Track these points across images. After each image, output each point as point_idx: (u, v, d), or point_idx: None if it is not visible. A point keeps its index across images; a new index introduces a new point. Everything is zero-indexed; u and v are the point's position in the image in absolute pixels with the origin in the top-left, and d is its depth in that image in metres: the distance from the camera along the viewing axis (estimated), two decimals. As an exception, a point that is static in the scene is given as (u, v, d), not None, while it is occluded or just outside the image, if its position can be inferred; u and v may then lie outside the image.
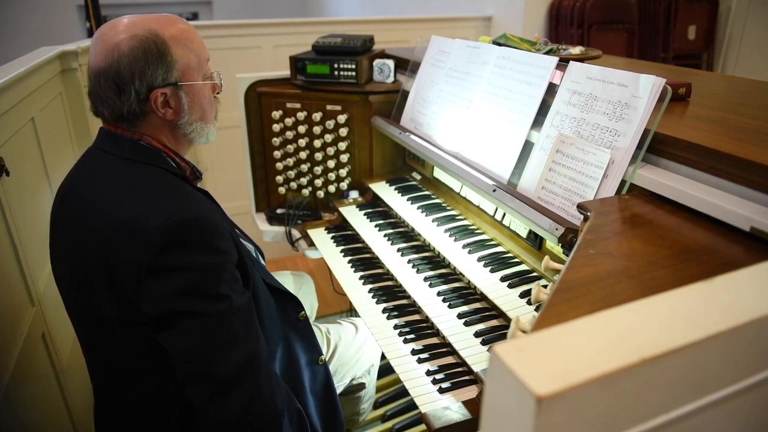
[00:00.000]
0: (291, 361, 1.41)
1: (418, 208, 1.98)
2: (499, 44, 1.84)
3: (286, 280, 2.06)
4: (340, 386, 1.76)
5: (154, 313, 1.11)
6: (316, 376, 1.48)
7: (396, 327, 1.57)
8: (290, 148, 2.34)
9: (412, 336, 1.53)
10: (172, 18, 1.25)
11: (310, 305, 2.11)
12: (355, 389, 1.88)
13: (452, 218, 1.88)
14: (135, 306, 1.12)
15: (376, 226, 2.02)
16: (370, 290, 1.75)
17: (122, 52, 1.15)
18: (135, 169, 1.19)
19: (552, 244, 1.52)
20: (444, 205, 1.99)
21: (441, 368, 1.41)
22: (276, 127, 2.33)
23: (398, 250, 1.84)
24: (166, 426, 1.25)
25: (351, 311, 2.98)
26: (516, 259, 1.62)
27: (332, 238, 2.10)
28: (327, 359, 1.60)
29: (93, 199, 1.16)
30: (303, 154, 2.34)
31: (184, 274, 1.08)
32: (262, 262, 1.56)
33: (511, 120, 1.66)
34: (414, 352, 1.47)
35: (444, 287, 1.64)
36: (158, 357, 1.16)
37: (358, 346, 1.82)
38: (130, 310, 1.13)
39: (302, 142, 2.30)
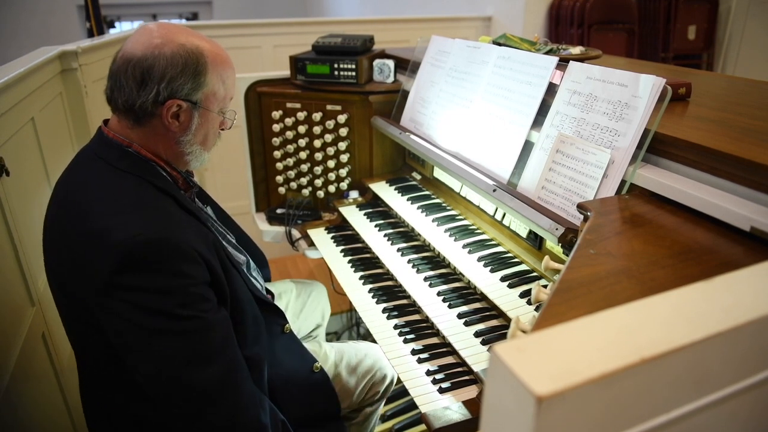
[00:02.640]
0: (279, 372, 1.40)
1: (418, 208, 1.98)
2: (499, 44, 1.84)
3: (286, 287, 1.99)
4: None
5: (112, 330, 1.10)
6: (313, 385, 1.46)
7: (396, 327, 1.57)
8: (290, 148, 2.34)
9: (412, 336, 1.53)
10: (220, 48, 1.28)
11: (321, 312, 2.05)
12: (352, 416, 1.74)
13: (452, 218, 1.88)
14: (97, 317, 1.11)
15: (376, 226, 2.02)
16: (370, 290, 1.75)
17: (163, 53, 1.16)
18: (116, 179, 1.17)
19: (552, 244, 1.52)
20: (444, 205, 1.99)
21: (441, 368, 1.41)
22: (276, 127, 2.33)
23: (398, 250, 1.84)
24: (148, 428, 1.25)
25: (351, 311, 2.98)
26: (516, 259, 1.62)
27: (332, 238, 2.10)
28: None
29: (71, 204, 1.16)
30: (303, 154, 2.34)
31: (139, 294, 1.06)
32: (254, 275, 1.54)
33: (511, 120, 1.66)
34: (414, 352, 1.47)
35: (444, 287, 1.64)
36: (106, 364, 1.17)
37: (363, 373, 1.68)
38: (95, 318, 1.12)
39: (302, 142, 2.30)
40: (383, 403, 1.81)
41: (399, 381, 1.46)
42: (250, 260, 1.58)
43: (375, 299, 1.70)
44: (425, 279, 1.67)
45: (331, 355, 1.66)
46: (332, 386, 1.51)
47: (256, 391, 1.23)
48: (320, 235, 2.13)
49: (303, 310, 1.95)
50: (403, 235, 1.95)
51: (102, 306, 1.09)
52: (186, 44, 1.18)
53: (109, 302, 1.07)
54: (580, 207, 1.21)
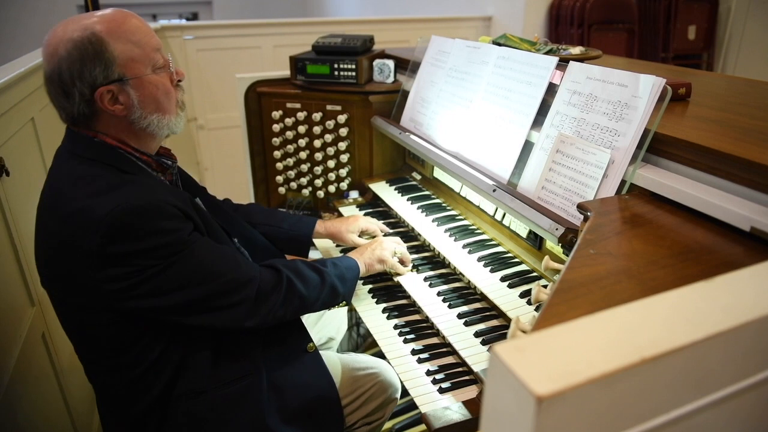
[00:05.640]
0: (276, 348, 1.41)
1: (418, 208, 1.98)
2: (499, 44, 1.84)
3: None
4: None
5: (123, 291, 1.13)
6: (305, 365, 1.45)
7: (396, 327, 1.57)
8: (290, 148, 2.34)
9: (412, 336, 1.53)
10: (113, 12, 1.21)
11: (337, 326, 2.01)
12: None
13: (452, 218, 1.88)
14: (93, 292, 1.15)
15: (376, 226, 2.01)
16: (370, 290, 1.75)
17: (61, 56, 1.15)
18: (88, 168, 1.19)
19: (552, 244, 1.52)
20: (444, 205, 1.99)
21: (441, 368, 1.41)
22: (276, 127, 2.33)
23: (398, 250, 1.84)
24: (140, 409, 1.27)
25: (351, 311, 2.98)
26: (516, 259, 1.62)
27: (332, 238, 2.09)
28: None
29: (52, 198, 1.20)
30: (303, 154, 2.34)
31: (135, 258, 1.12)
32: None
33: (511, 120, 1.66)
34: (414, 352, 1.47)
35: (444, 287, 1.64)
36: (117, 342, 1.22)
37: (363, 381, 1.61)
38: (89, 296, 1.16)
39: (302, 142, 2.30)
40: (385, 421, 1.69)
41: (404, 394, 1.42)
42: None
43: (375, 299, 1.70)
44: (425, 279, 1.67)
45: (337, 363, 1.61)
46: (326, 371, 1.47)
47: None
48: (320, 235, 2.12)
49: (319, 321, 1.93)
50: (403, 235, 1.95)
51: (104, 279, 1.12)
52: (73, 34, 1.15)
53: (110, 272, 1.12)
54: (580, 207, 1.21)
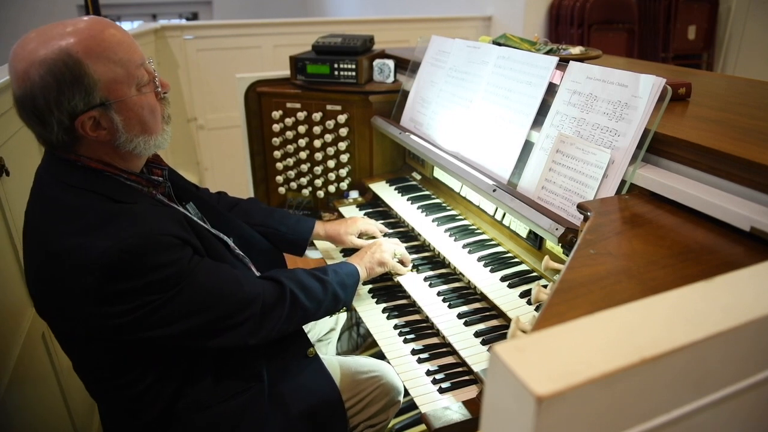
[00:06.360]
0: (278, 357, 1.41)
1: (418, 208, 1.98)
2: (499, 44, 1.84)
3: None
4: None
5: (125, 325, 1.09)
6: (306, 370, 1.45)
7: (396, 327, 1.57)
8: (290, 148, 2.35)
9: (412, 336, 1.53)
10: (88, 24, 1.08)
11: (336, 316, 2.02)
12: None
13: (452, 218, 1.88)
14: (92, 326, 1.10)
15: (376, 226, 2.01)
16: (370, 290, 1.75)
17: (33, 81, 1.03)
18: (73, 198, 1.10)
19: (552, 244, 1.52)
20: (444, 205, 1.99)
21: (441, 368, 1.41)
22: (276, 127, 2.33)
23: (398, 250, 1.84)
24: (144, 422, 1.26)
25: (351, 311, 2.98)
26: (516, 259, 1.62)
27: (332, 238, 2.09)
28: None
29: (36, 230, 1.14)
30: (303, 154, 2.34)
31: (137, 294, 1.07)
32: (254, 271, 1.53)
33: (511, 120, 1.66)
34: (414, 352, 1.47)
35: (444, 287, 1.64)
36: (117, 364, 1.19)
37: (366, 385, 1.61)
38: (87, 329, 1.12)
39: (302, 142, 2.30)
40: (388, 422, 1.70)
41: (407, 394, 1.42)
42: (250, 264, 1.54)
43: (375, 299, 1.70)
44: (425, 279, 1.67)
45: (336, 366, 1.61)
46: (328, 374, 1.48)
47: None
48: (320, 235, 2.12)
49: None
50: (403, 235, 1.95)
51: (104, 315, 1.07)
52: (47, 56, 1.02)
53: (111, 309, 1.07)
54: (580, 207, 1.21)
